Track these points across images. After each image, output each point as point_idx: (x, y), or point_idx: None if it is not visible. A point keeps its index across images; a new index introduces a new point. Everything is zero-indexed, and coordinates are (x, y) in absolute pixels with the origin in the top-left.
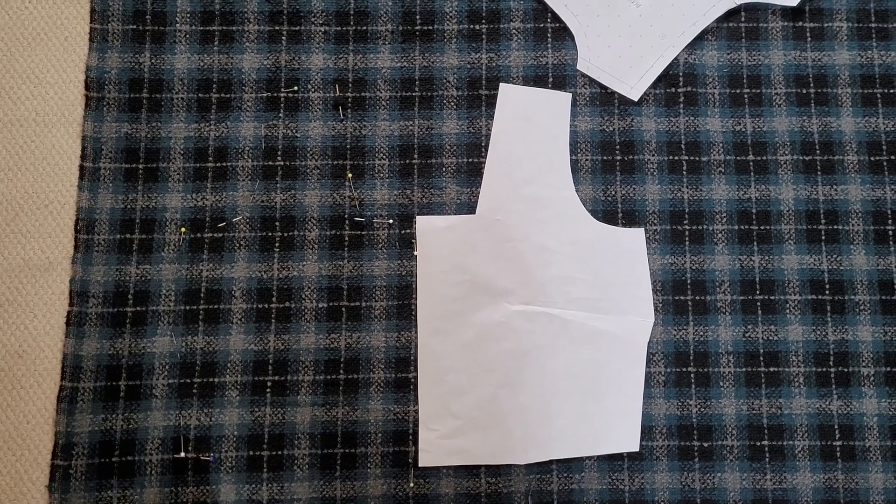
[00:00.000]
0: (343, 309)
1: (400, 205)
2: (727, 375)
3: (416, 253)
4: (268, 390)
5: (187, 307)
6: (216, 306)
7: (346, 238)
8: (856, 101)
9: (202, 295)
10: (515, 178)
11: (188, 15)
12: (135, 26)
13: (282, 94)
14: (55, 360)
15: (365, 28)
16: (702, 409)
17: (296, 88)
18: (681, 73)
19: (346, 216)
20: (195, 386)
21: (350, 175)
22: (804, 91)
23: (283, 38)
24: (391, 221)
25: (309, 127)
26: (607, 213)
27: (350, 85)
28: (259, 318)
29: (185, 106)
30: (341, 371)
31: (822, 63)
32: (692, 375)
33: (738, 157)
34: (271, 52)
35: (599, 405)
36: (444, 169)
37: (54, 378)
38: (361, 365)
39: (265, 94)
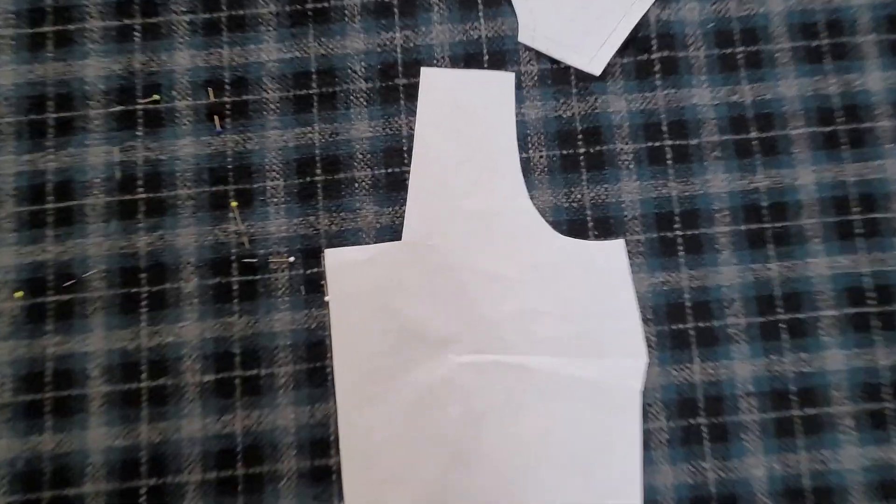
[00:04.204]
0: (236, 381)
1: (302, 236)
2: (751, 425)
3: (326, 298)
4: (141, 500)
5: (30, 397)
6: (67, 392)
7: (235, 286)
8: (883, 50)
9: (48, 378)
10: (451, 189)
11: (12, 16)
12: None
13: (139, 107)
14: None
15: (241, 12)
16: (722, 474)
17: (157, 97)
18: (654, 35)
19: (232, 258)
20: (43, 502)
21: (235, 204)
22: (814, 43)
23: (137, 33)
24: (292, 259)
25: (177, 145)
26: (574, 223)
27: (227, 87)
28: (125, 401)
29: (13, 132)
30: (239, 464)
31: (836, 5)
32: (704, 429)
33: (737, 136)
34: (122, 53)
35: (585, 479)
36: (356, 185)
37: None
38: (265, 454)
39: (117, 108)
